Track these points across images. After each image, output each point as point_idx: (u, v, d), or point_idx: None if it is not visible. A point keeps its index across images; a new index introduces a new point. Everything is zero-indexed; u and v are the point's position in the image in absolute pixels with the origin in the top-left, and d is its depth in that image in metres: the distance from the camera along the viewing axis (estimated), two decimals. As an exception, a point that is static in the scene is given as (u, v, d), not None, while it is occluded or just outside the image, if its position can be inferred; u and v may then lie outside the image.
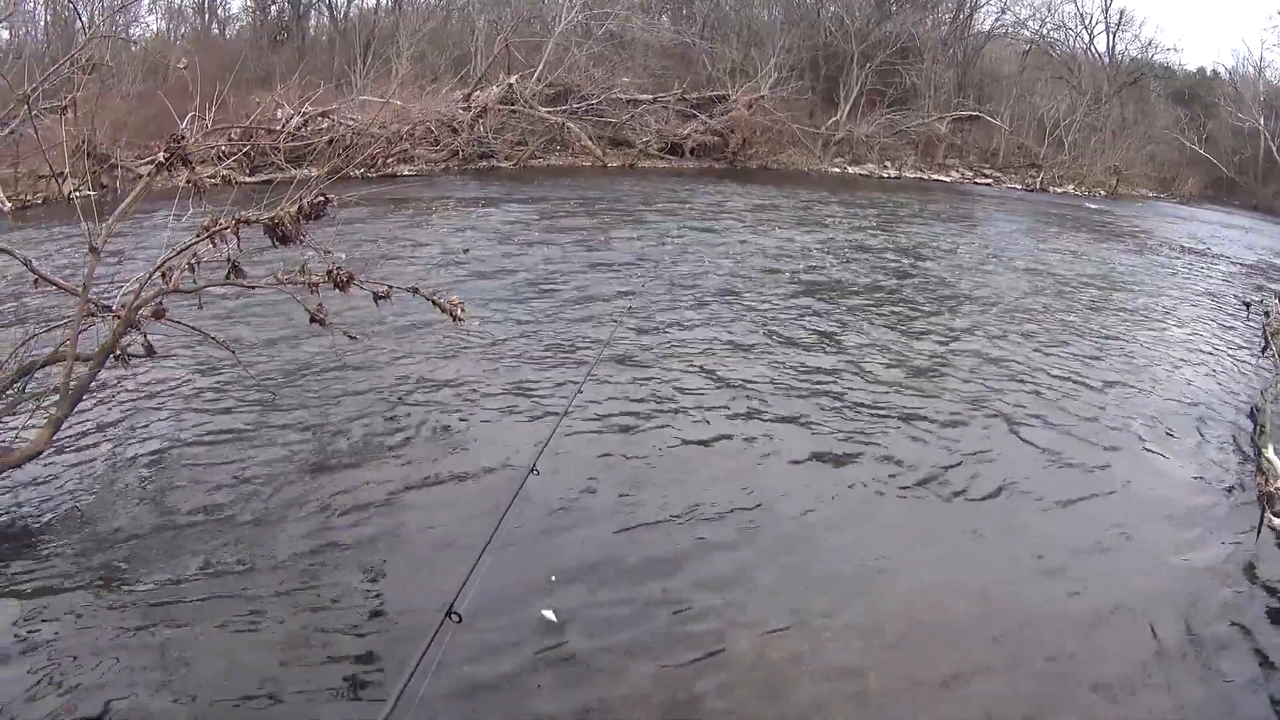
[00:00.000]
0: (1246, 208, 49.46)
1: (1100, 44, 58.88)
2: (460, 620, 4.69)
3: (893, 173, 43.46)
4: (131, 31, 36.89)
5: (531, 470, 5.98)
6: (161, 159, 8.18)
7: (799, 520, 8.76)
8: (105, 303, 8.63)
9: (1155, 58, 59.79)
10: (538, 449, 6.49)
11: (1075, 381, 13.38)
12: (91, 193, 22.14)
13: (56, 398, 8.22)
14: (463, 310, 9.09)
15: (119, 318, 8.20)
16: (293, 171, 21.45)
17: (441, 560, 7.64)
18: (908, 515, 9.09)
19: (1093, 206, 40.38)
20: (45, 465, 8.57)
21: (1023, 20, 57.47)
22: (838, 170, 42.12)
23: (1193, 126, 55.65)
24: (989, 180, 45.73)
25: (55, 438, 8.21)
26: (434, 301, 9.05)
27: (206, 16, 43.75)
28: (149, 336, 8.70)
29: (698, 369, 12.60)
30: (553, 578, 7.43)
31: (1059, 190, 45.74)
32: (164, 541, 7.67)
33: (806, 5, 49.46)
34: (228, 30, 44.29)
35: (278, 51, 38.79)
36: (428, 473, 9.11)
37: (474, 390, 11.29)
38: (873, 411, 11.63)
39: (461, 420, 10.46)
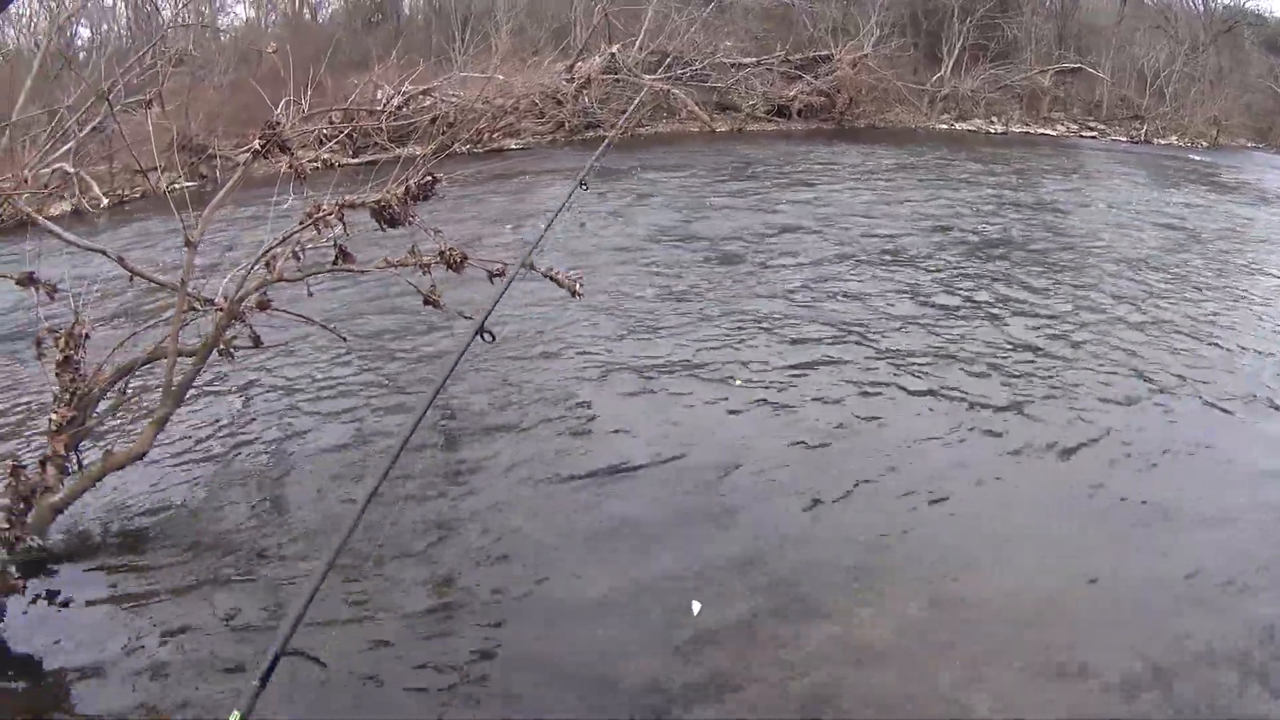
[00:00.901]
0: (1343, 157, 47.14)
1: (1194, -10, 56.85)
2: (494, 340, 5.44)
3: (999, 128, 41.36)
4: (220, 22, 36.67)
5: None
6: (257, 146, 7.68)
7: (933, 491, 8.39)
8: (207, 296, 8.14)
9: (1247, 4, 57.67)
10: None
11: (1224, 348, 12.44)
12: (190, 184, 21.67)
13: (160, 397, 7.78)
14: (581, 285, 8.82)
15: (221, 310, 7.79)
16: (397, 151, 20.48)
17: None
18: (1053, 491, 8.59)
19: (1196, 158, 38.26)
20: (150, 467, 8.44)
21: (1119, -31, 55.44)
22: (945, 127, 40.31)
23: (1287, 74, 53.56)
24: (1094, 133, 43.74)
25: (159, 438, 7.86)
26: (552, 277, 8.71)
27: (297, 3, 43.12)
28: (255, 327, 8.16)
29: (846, 333, 12.19)
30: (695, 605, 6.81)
31: (1162, 142, 43.54)
32: (277, 540, 7.57)
33: (904, -40, 47.28)
34: (320, 15, 43.72)
35: (373, 34, 38.38)
36: (560, 468, 8.75)
37: (600, 369, 10.95)
38: (1019, 375, 11.15)
39: (586, 393, 10.30)
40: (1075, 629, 6.60)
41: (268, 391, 10.42)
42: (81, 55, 28.86)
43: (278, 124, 7.69)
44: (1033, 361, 11.40)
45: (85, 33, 32.68)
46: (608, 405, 9.96)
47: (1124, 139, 43.23)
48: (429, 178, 7.90)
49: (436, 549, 7.51)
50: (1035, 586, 7.04)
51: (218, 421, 9.71)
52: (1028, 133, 41.95)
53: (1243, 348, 12.37)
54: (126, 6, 33.12)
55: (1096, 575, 7.25)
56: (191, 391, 8.60)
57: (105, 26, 33.10)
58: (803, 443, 9.12)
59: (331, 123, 15.26)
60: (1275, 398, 10.86)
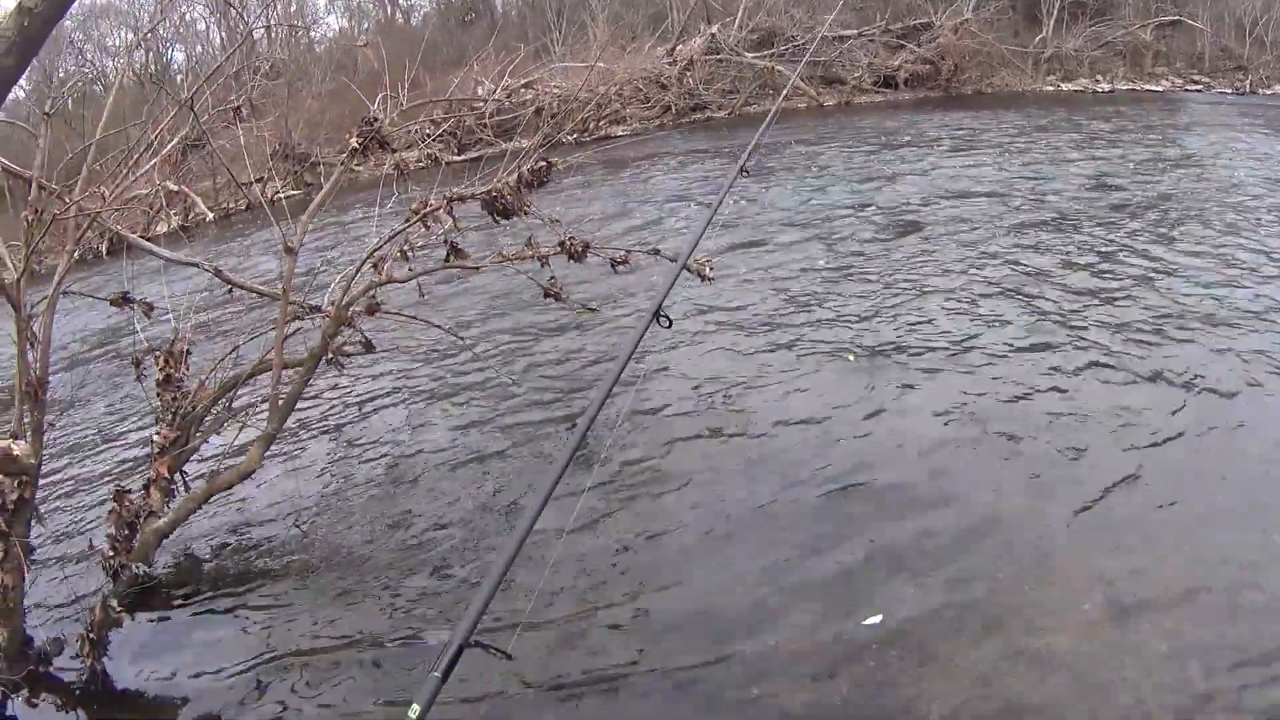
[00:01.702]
0: None
1: (1285, -70, 55.78)
2: (670, 324, 5.20)
3: (1106, 86, 40.25)
4: (313, 34, 37.19)
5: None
6: (355, 143, 7.38)
7: (1099, 478, 7.55)
8: (313, 303, 7.89)
9: (1342, -64, 56.40)
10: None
11: None
12: (295, 192, 21.54)
13: (266, 412, 7.42)
14: (710, 269, 7.67)
15: (329, 317, 7.42)
16: (502, 145, 20.14)
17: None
18: (1220, 469, 7.62)
19: (1304, 107, 37.08)
20: (260, 485, 8.29)
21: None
22: (1051, 88, 39.50)
23: (1378, 6, 52.21)
24: (1199, 87, 42.65)
25: (268, 455, 7.45)
26: (682, 264, 7.32)
27: (389, 8, 43.56)
28: (366, 333, 7.78)
29: (1027, 307, 11.21)
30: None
31: (1267, 92, 42.36)
32: (397, 559, 7.22)
33: (995, -81, 46.63)
34: (412, 19, 44.22)
35: (468, 31, 38.47)
36: (709, 452, 8.34)
37: (737, 349, 10.46)
38: (1202, 350, 9.80)
39: (731, 382, 9.63)
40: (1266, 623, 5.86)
41: (382, 399, 10.10)
42: (179, 79, 29.29)
43: (376, 120, 7.38)
44: (1222, 335, 10.13)
45: (180, 57, 33.26)
46: (782, 397, 9.26)
47: (1229, 91, 42.24)
48: (543, 163, 7.45)
49: (620, 547, 7.07)
50: (1219, 576, 6.28)
51: (330, 433, 9.41)
52: (1134, 89, 40.87)
53: None
54: (220, 29, 33.50)
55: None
56: (302, 403, 8.25)
57: (200, 49, 33.60)
58: (974, 434, 8.39)
59: (432, 120, 14.92)
60: None
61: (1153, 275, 12.10)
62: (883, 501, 7.36)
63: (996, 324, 10.73)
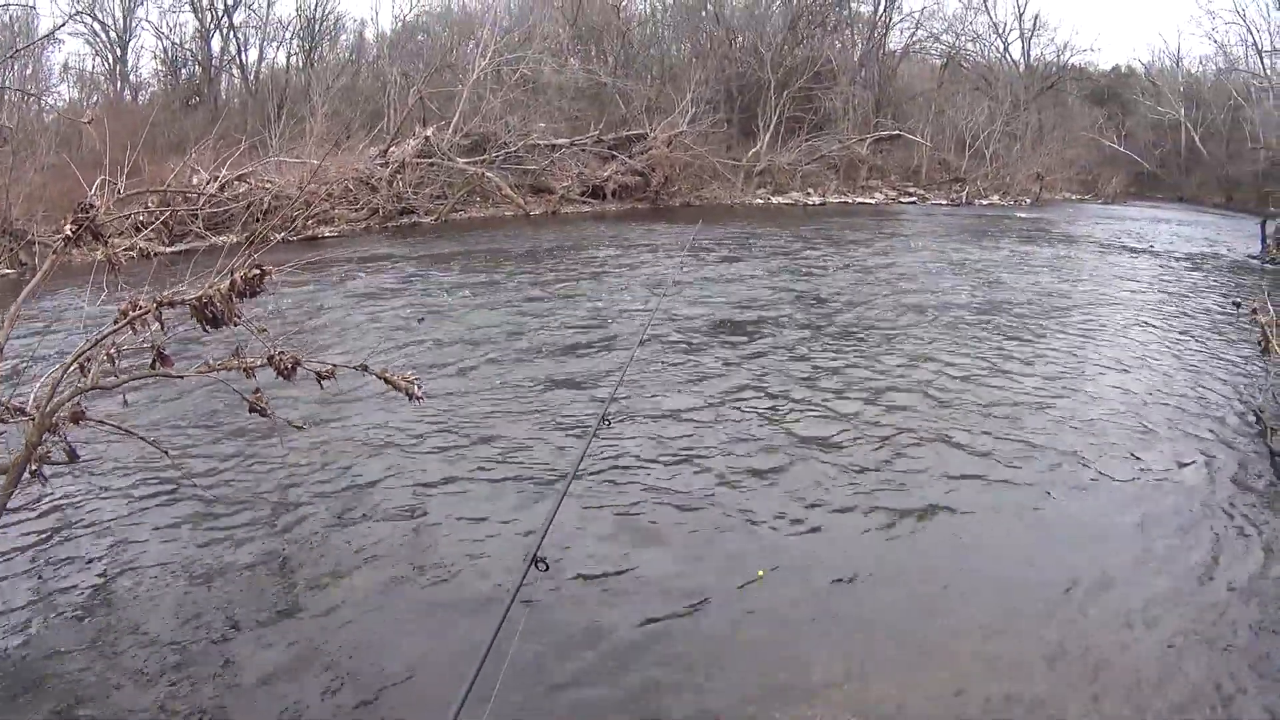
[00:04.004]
0: (1171, 200, 52.32)
1: (1015, 51, 60.74)
2: (547, 568, 5.03)
3: (816, 199, 44.07)
4: (44, 102, 37.21)
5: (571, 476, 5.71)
6: (69, 232, 7.08)
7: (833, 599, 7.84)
8: (18, 404, 7.33)
9: (1072, 60, 62.34)
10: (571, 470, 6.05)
11: (1072, 394, 13.27)
12: (9, 271, 22.15)
13: None
14: (419, 388, 7.91)
15: (33, 422, 7.04)
16: (212, 239, 21.27)
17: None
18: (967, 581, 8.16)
19: (1022, 215, 41.79)
20: None
21: (937, 34, 58.97)
22: (761, 201, 42.62)
23: (1110, 125, 57.50)
24: (913, 198, 46.86)
25: None
26: (386, 379, 7.90)
27: (119, 83, 44.04)
28: (70, 441, 7.53)
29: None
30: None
31: (984, 202, 47.26)
32: (110, 690, 6.70)
33: (717, 37, 50.27)
34: (140, 96, 45.00)
35: (190, 116, 38.99)
36: (400, 571, 8.29)
37: (442, 473, 10.41)
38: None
39: (431, 504, 9.62)
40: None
41: (86, 513, 9.37)
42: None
43: (91, 206, 7.14)
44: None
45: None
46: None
47: (944, 202, 46.21)
48: (257, 270, 7.20)
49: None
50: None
51: (33, 552, 8.62)
52: (845, 202, 44.56)
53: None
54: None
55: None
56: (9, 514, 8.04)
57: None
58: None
59: (147, 208, 15.25)
60: (1121, 439, 11.32)
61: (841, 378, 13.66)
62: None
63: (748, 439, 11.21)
